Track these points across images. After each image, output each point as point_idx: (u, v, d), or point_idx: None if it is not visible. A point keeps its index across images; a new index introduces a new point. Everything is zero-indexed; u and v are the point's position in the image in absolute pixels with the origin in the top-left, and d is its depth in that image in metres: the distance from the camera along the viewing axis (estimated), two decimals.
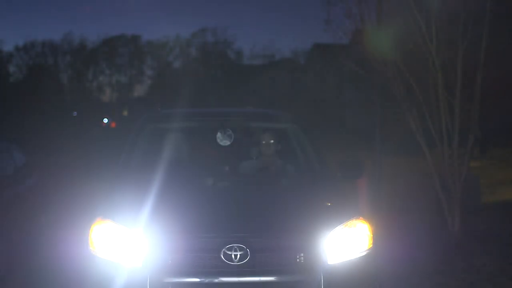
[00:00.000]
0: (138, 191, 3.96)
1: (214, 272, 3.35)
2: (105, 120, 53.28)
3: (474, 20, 7.12)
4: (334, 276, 3.43)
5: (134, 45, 62.51)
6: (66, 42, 60.96)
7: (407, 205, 9.05)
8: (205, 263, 3.36)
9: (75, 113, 51.64)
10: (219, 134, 4.61)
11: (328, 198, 4.04)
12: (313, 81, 40.37)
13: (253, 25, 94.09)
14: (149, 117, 5.21)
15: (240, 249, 3.37)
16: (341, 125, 34.25)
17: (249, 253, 3.36)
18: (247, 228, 3.50)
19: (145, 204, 3.67)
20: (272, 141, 4.84)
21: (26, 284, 5.51)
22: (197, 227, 3.49)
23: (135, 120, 5.34)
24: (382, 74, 7.88)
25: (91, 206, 4.04)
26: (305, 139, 5.00)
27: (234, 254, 3.36)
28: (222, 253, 3.36)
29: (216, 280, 3.34)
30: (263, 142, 4.85)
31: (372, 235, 3.68)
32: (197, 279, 3.33)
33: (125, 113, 60.74)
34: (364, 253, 3.60)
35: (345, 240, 3.55)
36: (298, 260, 3.41)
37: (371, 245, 3.66)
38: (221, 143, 4.62)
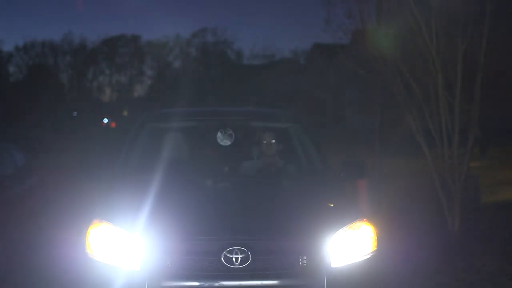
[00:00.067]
0: (136, 192, 3.88)
1: (214, 275, 3.25)
2: (105, 120, 53.30)
3: (474, 20, 7.12)
4: (338, 279, 3.34)
5: (134, 45, 62.55)
6: (66, 42, 61.06)
7: (407, 205, 9.05)
8: (205, 266, 3.27)
9: (75, 113, 51.66)
10: (219, 134, 4.55)
11: (331, 199, 3.97)
12: (313, 81, 40.33)
13: (253, 25, 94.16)
14: (149, 117, 5.10)
15: (241, 252, 3.28)
16: (341, 125, 34.24)
17: (250, 256, 3.27)
18: (248, 230, 3.41)
19: (143, 205, 3.58)
20: (273, 140, 4.75)
21: (26, 284, 5.50)
22: (197, 229, 3.40)
23: (135, 120, 5.25)
24: (382, 74, 7.88)
25: (89, 208, 3.95)
26: (307, 138, 4.90)
27: (235, 257, 3.27)
28: (222, 256, 3.27)
29: (217, 284, 3.24)
30: (264, 141, 4.76)
31: (376, 237, 3.61)
32: (196, 283, 3.24)
33: (125, 113, 60.75)
34: (369, 256, 3.51)
35: (349, 243, 3.47)
36: (301, 263, 3.32)
37: (375, 248, 3.57)
38: (222, 143, 4.55)
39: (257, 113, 5.54)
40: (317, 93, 38.49)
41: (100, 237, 3.46)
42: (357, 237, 3.52)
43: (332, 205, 3.89)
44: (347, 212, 3.69)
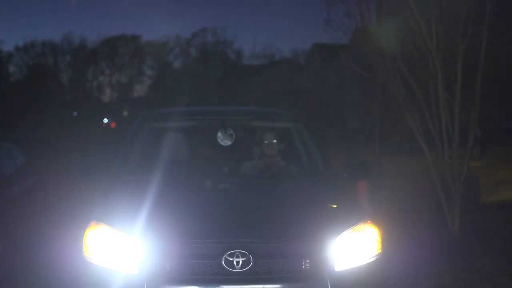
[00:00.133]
0: (135, 193, 3.79)
1: (214, 279, 3.17)
2: (105, 120, 53.27)
3: (474, 20, 7.12)
4: (342, 283, 3.26)
5: (134, 45, 62.53)
6: (66, 42, 61.00)
7: (407, 205, 9.05)
8: (205, 270, 3.18)
9: (75, 113, 51.62)
10: (219, 134, 4.44)
11: (334, 201, 3.89)
12: (313, 81, 40.32)
13: (253, 25, 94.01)
14: (148, 116, 4.96)
15: (243, 255, 3.19)
16: (341, 125, 34.22)
17: (252, 259, 3.19)
18: (249, 233, 3.31)
19: (142, 207, 3.49)
20: (274, 140, 4.66)
21: (25, 285, 5.49)
22: (196, 231, 3.31)
23: (134, 120, 5.13)
24: (382, 74, 7.89)
25: (86, 210, 3.87)
26: (309, 138, 4.78)
27: (236, 261, 3.18)
28: (223, 259, 3.19)
29: None
30: (266, 141, 4.67)
31: (381, 240, 3.51)
32: (196, 287, 3.16)
33: (125, 113, 60.74)
34: (373, 259, 3.43)
35: (353, 246, 3.38)
36: (303, 266, 3.24)
37: (380, 251, 3.48)
38: (222, 143, 4.45)
39: (258, 112, 5.40)
40: (317, 93, 38.49)
41: (98, 240, 3.37)
42: (361, 239, 3.44)
43: (334, 206, 3.81)
44: (350, 214, 3.60)
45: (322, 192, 4.09)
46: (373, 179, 8.63)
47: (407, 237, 7.03)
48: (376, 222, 3.60)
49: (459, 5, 7.15)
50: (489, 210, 8.80)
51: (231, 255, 3.19)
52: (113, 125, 51.79)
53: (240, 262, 3.19)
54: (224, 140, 4.46)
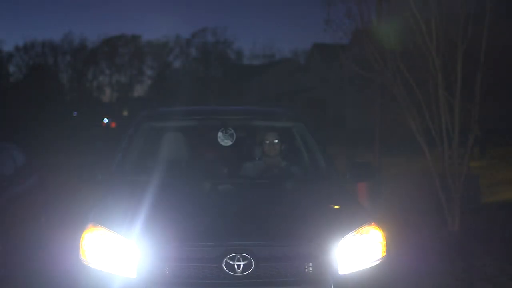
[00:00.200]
0: (133, 195, 3.70)
1: (215, 283, 3.08)
2: (105, 120, 53.28)
3: (474, 20, 7.12)
4: (346, 287, 3.19)
5: (134, 45, 62.61)
6: (66, 42, 61.15)
7: (407, 205, 9.05)
8: (205, 273, 3.09)
9: (75, 113, 51.62)
10: (220, 134, 4.39)
11: (337, 202, 3.82)
12: (313, 81, 40.35)
13: (253, 25, 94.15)
14: (146, 116, 4.82)
15: (244, 258, 3.10)
16: (340, 125, 34.23)
17: (253, 262, 3.10)
18: (250, 235, 3.22)
19: (140, 209, 3.40)
20: (276, 140, 4.57)
21: (26, 284, 5.49)
22: (196, 234, 3.21)
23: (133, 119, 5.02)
24: (382, 74, 7.89)
25: (83, 212, 3.77)
26: (311, 138, 4.67)
27: (237, 264, 3.09)
28: (223, 262, 3.09)
29: None
30: (267, 141, 4.58)
31: (385, 242, 3.43)
32: None
33: (125, 113, 60.77)
34: (378, 262, 3.34)
35: (357, 248, 3.30)
36: (306, 270, 3.15)
37: (385, 253, 3.40)
38: (222, 143, 4.40)
39: (259, 112, 5.28)
40: (317, 93, 38.51)
41: (95, 243, 3.28)
42: (366, 242, 3.35)
43: (337, 207, 3.75)
44: (354, 216, 3.53)
45: (324, 193, 4.01)
46: (374, 179, 8.63)
47: (407, 237, 7.03)
48: (380, 224, 3.53)
49: (459, 5, 7.16)
50: (489, 210, 8.80)
51: (232, 259, 3.10)
52: (113, 125, 51.74)
53: (241, 266, 3.10)
54: (224, 140, 4.41)
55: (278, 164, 4.60)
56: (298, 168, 4.62)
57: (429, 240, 7.00)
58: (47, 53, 60.82)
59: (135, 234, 3.21)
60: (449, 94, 7.34)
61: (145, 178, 4.00)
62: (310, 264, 3.16)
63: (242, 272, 3.09)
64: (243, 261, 3.10)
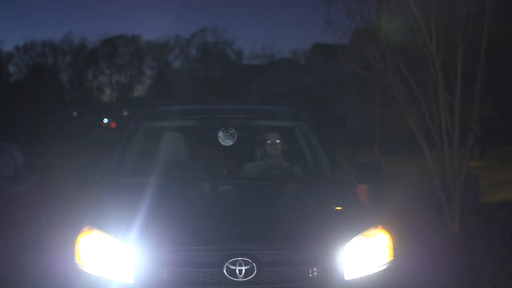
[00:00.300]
0: (131, 197, 3.61)
1: None
2: (105, 120, 53.28)
3: (474, 20, 7.12)
4: None
5: (134, 45, 62.64)
6: (66, 42, 61.19)
7: (407, 205, 9.04)
8: (205, 279, 2.97)
9: (75, 113, 51.62)
10: (220, 133, 4.30)
11: (342, 204, 3.71)
12: (313, 81, 40.35)
13: (253, 25, 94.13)
14: (146, 115, 4.71)
15: (246, 263, 2.99)
16: (340, 125, 34.23)
17: (255, 267, 2.98)
18: (253, 239, 3.10)
19: (138, 211, 3.27)
20: (278, 140, 4.44)
21: (26, 284, 5.48)
22: (196, 237, 3.10)
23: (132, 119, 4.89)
24: (382, 74, 7.89)
25: (79, 214, 3.68)
26: (314, 138, 4.53)
27: (239, 269, 2.98)
28: (225, 267, 2.98)
29: None
30: (269, 141, 4.45)
31: (393, 246, 3.33)
32: None
33: (125, 113, 60.76)
34: (385, 267, 3.23)
35: (364, 252, 3.18)
36: (311, 275, 3.04)
37: (392, 257, 3.29)
38: (223, 143, 4.31)
39: (261, 110, 5.15)
40: (317, 93, 38.50)
41: (90, 247, 3.16)
42: (372, 246, 3.24)
43: (342, 209, 3.65)
44: (360, 219, 3.41)
45: (329, 195, 3.90)
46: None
47: (407, 237, 7.02)
48: (387, 226, 3.43)
49: (459, 5, 7.16)
50: (489, 210, 8.80)
51: (234, 263, 2.99)
52: (113, 125, 51.78)
53: (243, 271, 2.99)
54: (225, 140, 4.32)
55: (280, 165, 4.48)
56: (301, 169, 4.49)
57: (429, 240, 7.00)
58: (47, 53, 60.91)
59: (133, 237, 3.09)
60: (449, 94, 7.34)
61: (144, 179, 3.89)
62: (315, 269, 3.06)
63: (244, 277, 2.98)
64: (245, 266, 2.99)
